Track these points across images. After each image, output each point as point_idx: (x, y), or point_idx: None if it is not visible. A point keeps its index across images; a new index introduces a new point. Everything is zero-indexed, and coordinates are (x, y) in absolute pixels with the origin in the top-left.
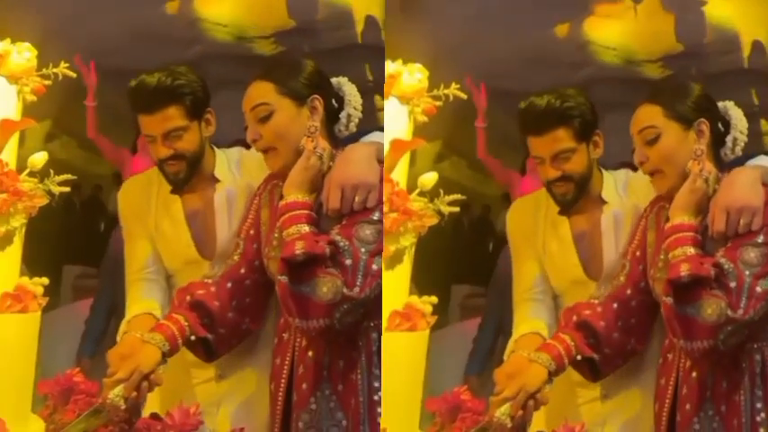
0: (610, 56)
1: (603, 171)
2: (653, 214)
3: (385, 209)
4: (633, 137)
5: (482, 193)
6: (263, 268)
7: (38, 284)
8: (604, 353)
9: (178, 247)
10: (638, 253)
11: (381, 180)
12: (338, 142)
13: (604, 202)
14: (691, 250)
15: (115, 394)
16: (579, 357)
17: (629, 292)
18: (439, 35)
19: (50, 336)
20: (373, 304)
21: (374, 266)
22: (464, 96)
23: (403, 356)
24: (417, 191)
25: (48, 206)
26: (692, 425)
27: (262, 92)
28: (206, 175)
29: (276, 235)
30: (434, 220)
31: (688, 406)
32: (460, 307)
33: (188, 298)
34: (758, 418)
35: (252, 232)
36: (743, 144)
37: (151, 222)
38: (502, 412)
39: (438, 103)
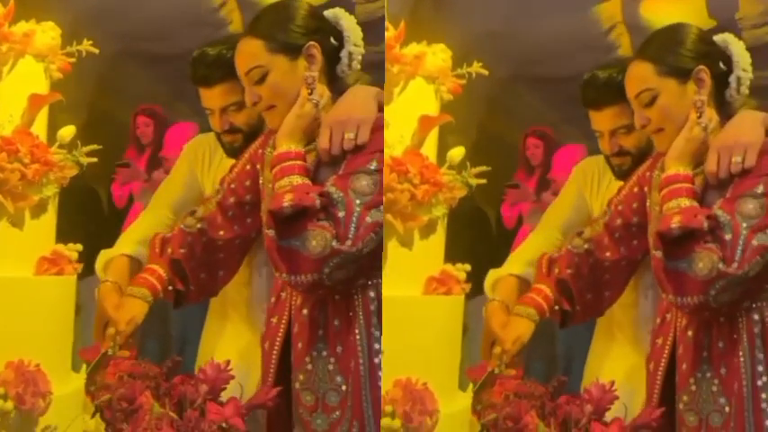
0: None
1: None
2: (658, 171)
3: (416, 180)
4: (630, 101)
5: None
6: (240, 223)
7: (72, 251)
8: (575, 310)
9: None
10: (620, 207)
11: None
12: (341, 84)
13: None
14: (685, 202)
15: (115, 344)
16: (556, 308)
17: (606, 241)
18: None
19: (86, 300)
20: (368, 260)
21: (368, 219)
22: (486, 73)
23: (440, 318)
24: (447, 165)
25: (78, 176)
26: (688, 385)
27: (252, 53)
28: None
29: (268, 184)
30: (463, 192)
31: (684, 366)
32: None
33: (169, 251)
34: (759, 383)
35: (233, 186)
36: (748, 82)
37: (209, 180)
38: (502, 362)
39: (462, 82)
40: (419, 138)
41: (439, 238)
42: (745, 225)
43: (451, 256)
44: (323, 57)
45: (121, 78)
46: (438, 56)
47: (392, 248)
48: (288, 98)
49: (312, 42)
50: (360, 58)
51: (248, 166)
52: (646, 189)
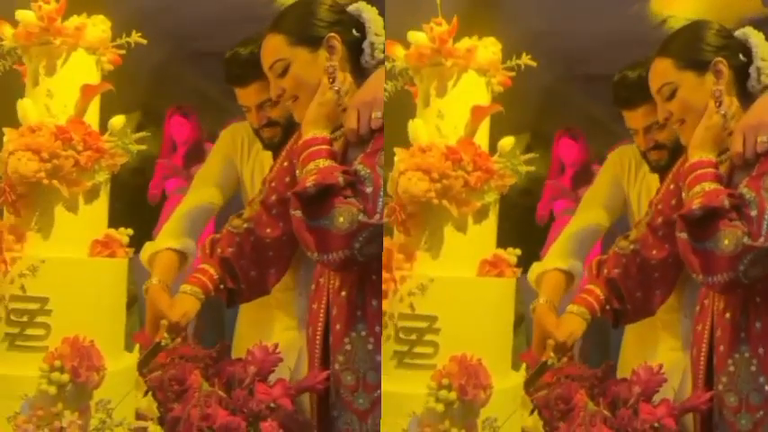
0: None
1: None
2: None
3: (469, 168)
4: (654, 97)
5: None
6: (285, 219)
7: (123, 234)
8: (627, 308)
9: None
10: (660, 206)
11: None
12: (366, 74)
13: None
14: (709, 186)
15: (167, 336)
16: (608, 307)
17: (650, 240)
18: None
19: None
20: None
21: None
22: (534, 64)
23: (493, 299)
24: (497, 154)
25: (128, 163)
26: (726, 366)
27: (274, 47)
28: None
29: (298, 171)
30: (513, 180)
31: (722, 347)
32: None
33: (219, 251)
34: None
35: (274, 184)
36: None
37: (248, 170)
38: (552, 356)
39: (512, 74)
40: (472, 127)
41: (491, 223)
42: None
43: (503, 240)
44: (345, 48)
45: (171, 74)
46: (489, 49)
47: (448, 232)
48: (310, 89)
49: (332, 34)
50: (381, 47)
51: (286, 163)
52: (681, 185)
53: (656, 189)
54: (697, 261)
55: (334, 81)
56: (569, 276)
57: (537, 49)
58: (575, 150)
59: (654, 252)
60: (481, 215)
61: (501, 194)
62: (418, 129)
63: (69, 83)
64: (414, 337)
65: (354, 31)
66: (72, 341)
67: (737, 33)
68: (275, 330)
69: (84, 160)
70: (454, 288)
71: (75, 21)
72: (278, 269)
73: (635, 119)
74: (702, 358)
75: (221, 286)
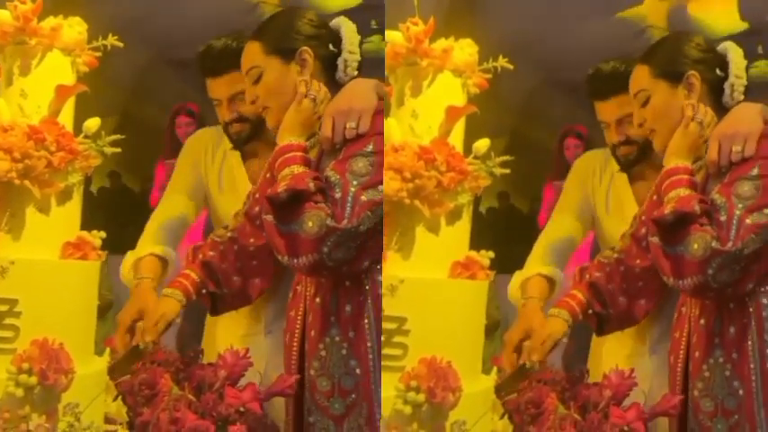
0: None
1: None
2: None
3: (442, 168)
4: (632, 101)
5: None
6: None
7: (96, 237)
8: (609, 313)
9: (235, 206)
10: (643, 217)
11: (379, 113)
12: (341, 87)
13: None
14: (684, 192)
15: (146, 339)
16: (590, 312)
17: (634, 250)
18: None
19: (116, 293)
20: (373, 241)
21: (363, 198)
22: (511, 67)
23: (465, 302)
24: (472, 155)
25: (101, 166)
26: (701, 372)
27: (251, 54)
28: (270, 141)
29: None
30: (488, 182)
31: (697, 353)
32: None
33: (200, 256)
34: None
35: (257, 195)
36: (742, 88)
37: (213, 175)
38: (534, 357)
39: (488, 76)
40: (446, 128)
41: (464, 225)
42: (740, 206)
43: (476, 243)
44: (319, 62)
45: (152, 79)
46: (465, 50)
47: (419, 233)
48: (280, 99)
49: (305, 48)
50: (355, 64)
51: (268, 175)
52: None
53: (625, 189)
54: (668, 264)
55: (307, 92)
56: (551, 282)
57: (516, 53)
58: (582, 150)
59: (637, 261)
60: (454, 216)
61: (475, 196)
62: (391, 128)
63: (44, 83)
64: (382, 338)
65: (331, 46)
66: (41, 344)
67: (720, 47)
68: (241, 335)
69: (56, 161)
70: (425, 289)
71: (51, 21)
72: (262, 280)
73: (608, 110)
74: (680, 365)
75: (203, 291)
